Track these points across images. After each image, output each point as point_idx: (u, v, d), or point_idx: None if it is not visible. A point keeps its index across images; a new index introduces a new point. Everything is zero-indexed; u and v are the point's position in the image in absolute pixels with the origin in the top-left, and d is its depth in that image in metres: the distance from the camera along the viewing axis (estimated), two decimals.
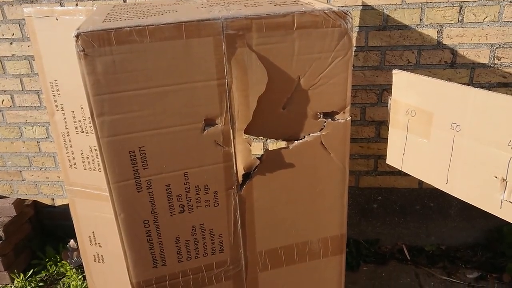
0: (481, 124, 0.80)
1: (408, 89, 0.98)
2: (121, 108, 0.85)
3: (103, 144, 0.87)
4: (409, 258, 1.88)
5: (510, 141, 0.74)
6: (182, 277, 1.02)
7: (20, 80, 1.84)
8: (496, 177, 0.77)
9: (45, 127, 1.92)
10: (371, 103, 1.72)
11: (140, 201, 0.93)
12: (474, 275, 1.76)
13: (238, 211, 1.01)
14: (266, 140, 1.79)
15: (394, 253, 1.92)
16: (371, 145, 1.79)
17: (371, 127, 1.76)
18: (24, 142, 1.96)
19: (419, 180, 1.78)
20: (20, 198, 2.00)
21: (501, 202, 0.75)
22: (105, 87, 0.82)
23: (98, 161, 1.34)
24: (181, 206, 0.96)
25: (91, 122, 0.86)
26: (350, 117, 0.98)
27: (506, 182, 0.75)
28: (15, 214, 1.92)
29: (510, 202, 0.74)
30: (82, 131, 1.31)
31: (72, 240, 1.93)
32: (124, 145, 0.88)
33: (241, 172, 0.97)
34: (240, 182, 0.98)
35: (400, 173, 1.80)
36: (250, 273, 1.08)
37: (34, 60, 1.79)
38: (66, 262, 1.91)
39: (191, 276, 1.03)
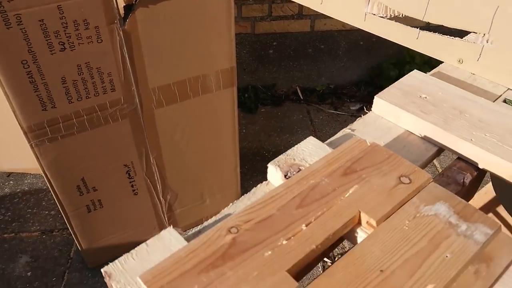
0: None
1: None
2: None
3: None
4: (302, 98, 2.04)
5: None
6: (75, 118, 1.03)
7: None
8: None
9: None
10: None
11: (13, 40, 0.87)
12: (356, 107, 1.99)
13: (125, 47, 0.99)
14: None
15: (289, 95, 2.07)
16: None
17: None
18: None
19: (311, 23, 1.85)
20: None
21: (365, 14, 0.83)
22: None
23: None
24: (61, 43, 0.92)
25: None
26: None
27: None
28: None
29: (372, 14, 0.81)
30: None
31: None
32: None
33: (121, 4, 0.93)
34: (123, 16, 0.95)
35: (293, 17, 1.84)
36: (146, 111, 1.11)
37: None
38: None
39: (85, 116, 1.04)
